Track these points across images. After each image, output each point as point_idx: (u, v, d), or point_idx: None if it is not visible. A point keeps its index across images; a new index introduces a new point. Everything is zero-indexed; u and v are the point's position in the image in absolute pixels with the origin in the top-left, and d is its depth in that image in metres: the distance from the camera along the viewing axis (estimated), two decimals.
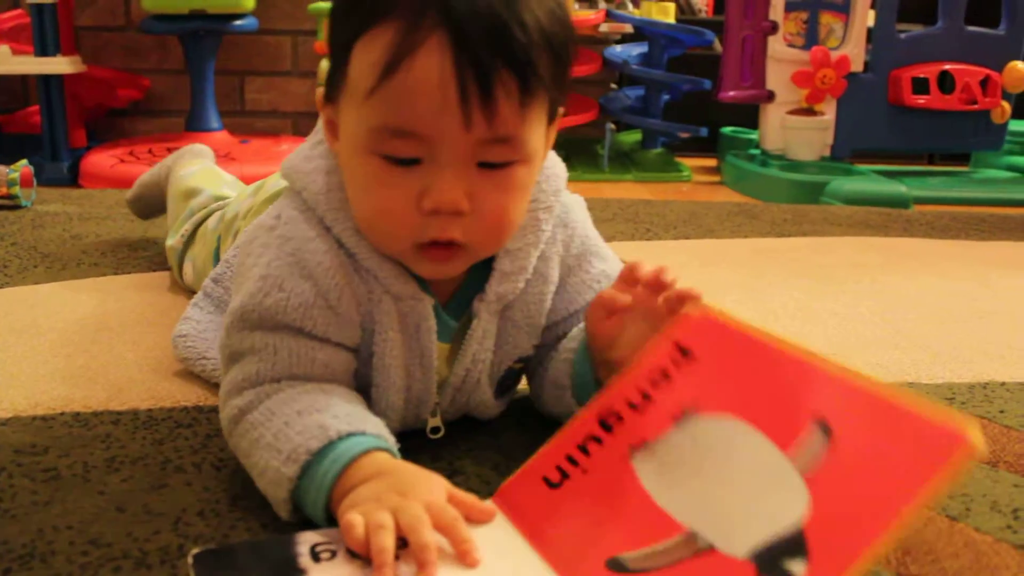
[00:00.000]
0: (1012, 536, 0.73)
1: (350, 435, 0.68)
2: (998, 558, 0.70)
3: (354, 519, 0.61)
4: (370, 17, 0.68)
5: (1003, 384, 1.05)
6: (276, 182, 1.10)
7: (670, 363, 0.69)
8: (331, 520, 0.66)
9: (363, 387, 0.80)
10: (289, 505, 0.68)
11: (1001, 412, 0.97)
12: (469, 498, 0.66)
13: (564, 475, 0.68)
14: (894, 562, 0.69)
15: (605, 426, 0.68)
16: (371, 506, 0.62)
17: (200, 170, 1.37)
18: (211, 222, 1.19)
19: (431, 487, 0.64)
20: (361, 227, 0.75)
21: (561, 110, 0.77)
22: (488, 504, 0.67)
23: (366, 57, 0.68)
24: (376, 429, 0.70)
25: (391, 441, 0.71)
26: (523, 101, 0.69)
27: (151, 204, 1.48)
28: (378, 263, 0.76)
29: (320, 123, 0.81)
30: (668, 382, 0.68)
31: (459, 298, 0.81)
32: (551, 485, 0.68)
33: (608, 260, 0.87)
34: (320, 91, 0.77)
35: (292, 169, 0.79)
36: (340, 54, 0.72)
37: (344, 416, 0.70)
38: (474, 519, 0.65)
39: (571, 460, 0.69)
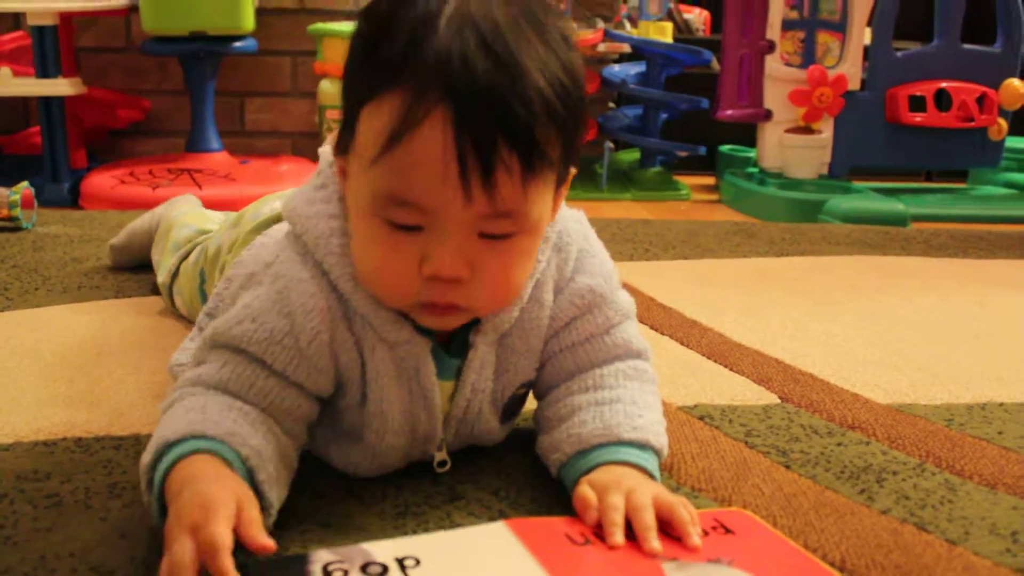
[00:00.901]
0: (1012, 560, 0.74)
1: (181, 440, 0.69)
2: None
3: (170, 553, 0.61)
4: (378, 83, 0.68)
5: (1001, 405, 1.06)
6: (256, 212, 1.10)
7: (711, 529, 0.72)
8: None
9: (356, 429, 0.80)
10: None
11: (1000, 433, 0.98)
12: (253, 522, 0.64)
13: (587, 541, 0.69)
14: None
15: None
16: (174, 537, 0.62)
17: (189, 211, 1.40)
18: (192, 257, 1.20)
19: (209, 508, 0.63)
20: (362, 280, 0.75)
21: (573, 171, 0.77)
22: (266, 541, 0.64)
23: (372, 124, 0.69)
24: (218, 431, 0.70)
25: (236, 442, 0.70)
26: (525, 178, 0.69)
27: (136, 252, 1.49)
28: (373, 310, 0.76)
29: (322, 164, 0.81)
30: (706, 537, 0.70)
31: (459, 335, 0.81)
32: (573, 542, 0.69)
33: (596, 275, 0.84)
34: (332, 137, 0.78)
35: (294, 212, 0.79)
36: (350, 112, 0.73)
37: (190, 419, 0.71)
38: (250, 544, 0.63)
39: (598, 534, 0.70)
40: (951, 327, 1.36)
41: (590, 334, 0.84)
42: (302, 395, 0.77)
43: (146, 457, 0.70)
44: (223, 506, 0.63)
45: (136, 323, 1.25)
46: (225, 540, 0.61)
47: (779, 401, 1.05)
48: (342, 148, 0.75)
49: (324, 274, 0.76)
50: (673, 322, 1.32)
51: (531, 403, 0.89)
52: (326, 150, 0.83)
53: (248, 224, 1.08)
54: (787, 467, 0.88)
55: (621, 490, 0.72)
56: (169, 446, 0.69)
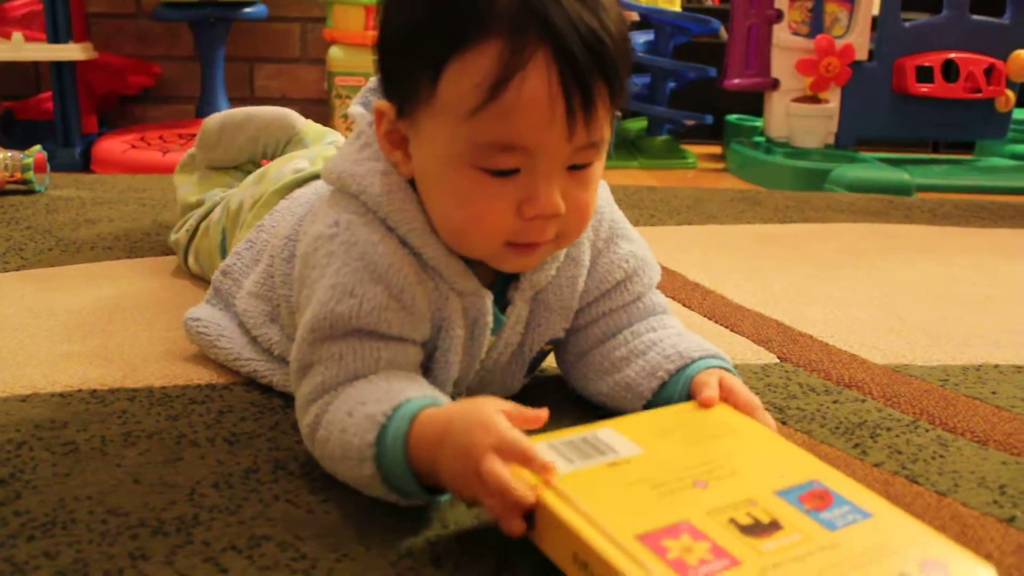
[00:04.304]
0: (998, 511, 0.76)
1: (394, 410, 0.70)
2: (983, 531, 0.72)
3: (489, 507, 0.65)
4: (464, 37, 0.69)
5: (996, 366, 1.08)
6: (280, 171, 1.11)
7: None
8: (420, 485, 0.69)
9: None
10: (392, 496, 0.71)
11: (993, 393, 1.00)
12: (522, 410, 0.68)
13: None
14: None
15: None
16: (469, 488, 0.65)
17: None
18: (215, 215, 1.21)
19: (487, 426, 0.65)
20: (444, 230, 0.77)
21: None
22: (539, 412, 0.68)
23: (467, 77, 0.70)
24: (417, 391, 0.72)
25: (431, 394, 0.73)
26: (611, 107, 0.73)
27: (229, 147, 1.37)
28: (444, 261, 0.78)
29: (361, 124, 0.82)
30: None
31: (496, 289, 0.83)
32: None
33: (635, 241, 0.91)
34: (381, 103, 0.77)
35: (345, 173, 0.80)
36: (422, 71, 0.72)
37: (383, 396, 0.71)
38: (531, 425, 0.67)
39: None
40: (951, 292, 1.37)
41: (637, 295, 0.89)
42: (415, 346, 0.79)
43: (368, 468, 0.69)
44: (498, 417, 0.66)
45: (149, 282, 1.27)
46: (523, 437, 0.64)
47: (778, 361, 1.07)
48: (402, 111, 0.75)
49: (391, 230, 0.78)
50: (676, 284, 1.34)
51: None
52: (361, 110, 0.84)
53: (271, 184, 1.09)
54: (783, 423, 0.91)
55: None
56: (384, 428, 0.69)
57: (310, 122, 1.36)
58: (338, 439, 0.71)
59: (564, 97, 0.69)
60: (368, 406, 0.71)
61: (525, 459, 0.64)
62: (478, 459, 0.63)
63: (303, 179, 1.07)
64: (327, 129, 1.35)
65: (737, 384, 0.79)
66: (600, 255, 0.88)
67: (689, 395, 0.80)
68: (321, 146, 1.26)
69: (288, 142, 1.33)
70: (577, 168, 0.75)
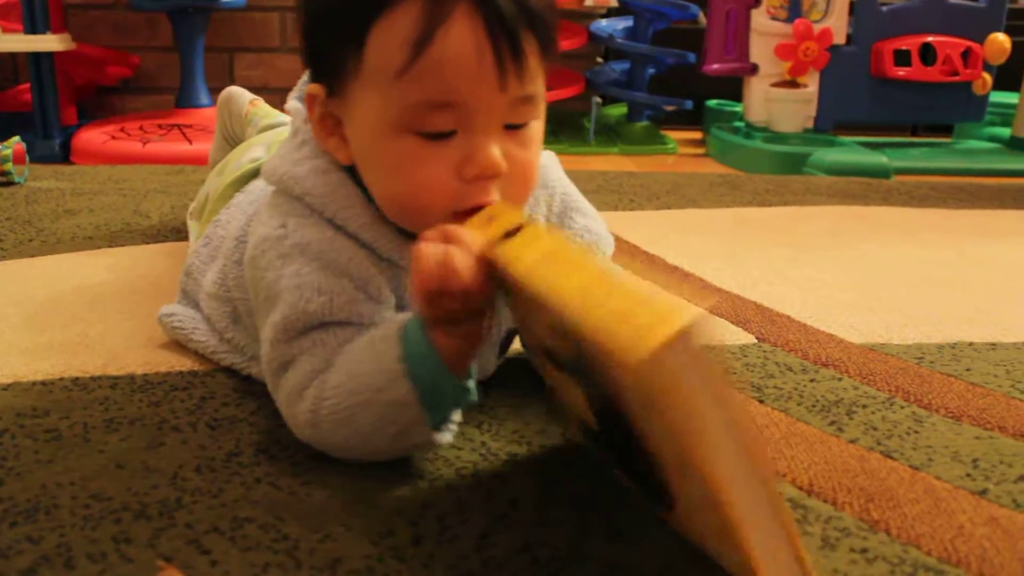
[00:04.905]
0: (970, 483, 0.77)
1: (401, 327, 0.72)
2: (955, 504, 0.74)
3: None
4: (383, 2, 0.70)
5: (971, 344, 1.09)
6: (239, 161, 1.11)
7: None
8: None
9: None
10: (428, 421, 0.72)
11: (968, 370, 1.01)
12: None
13: None
14: (857, 507, 0.72)
15: None
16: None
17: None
18: (192, 207, 1.21)
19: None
20: (388, 208, 0.77)
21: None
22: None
23: (391, 38, 0.70)
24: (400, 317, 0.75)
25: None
26: (542, 58, 0.73)
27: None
28: (397, 251, 0.79)
29: (297, 121, 0.82)
30: None
31: None
32: None
33: (589, 215, 0.92)
34: (311, 87, 0.77)
35: (286, 175, 0.80)
36: (346, 43, 0.72)
37: (382, 327, 0.74)
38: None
39: None
40: (927, 273, 1.39)
41: None
42: None
43: (401, 388, 0.71)
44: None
45: (129, 271, 1.27)
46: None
47: (756, 341, 1.08)
48: (332, 89, 0.76)
49: (338, 228, 0.78)
50: (656, 268, 1.34)
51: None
52: (297, 106, 0.84)
53: (230, 174, 1.09)
54: (761, 401, 0.92)
55: None
56: (403, 340, 0.71)
57: (259, 101, 1.35)
58: (356, 386, 0.72)
59: (492, 47, 0.69)
60: (375, 344, 0.72)
61: (457, 238, 0.67)
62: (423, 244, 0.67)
63: (257, 169, 1.06)
64: (275, 111, 1.33)
65: None
66: (561, 228, 0.90)
67: None
68: (279, 129, 1.25)
69: (242, 124, 1.33)
70: (515, 128, 0.74)
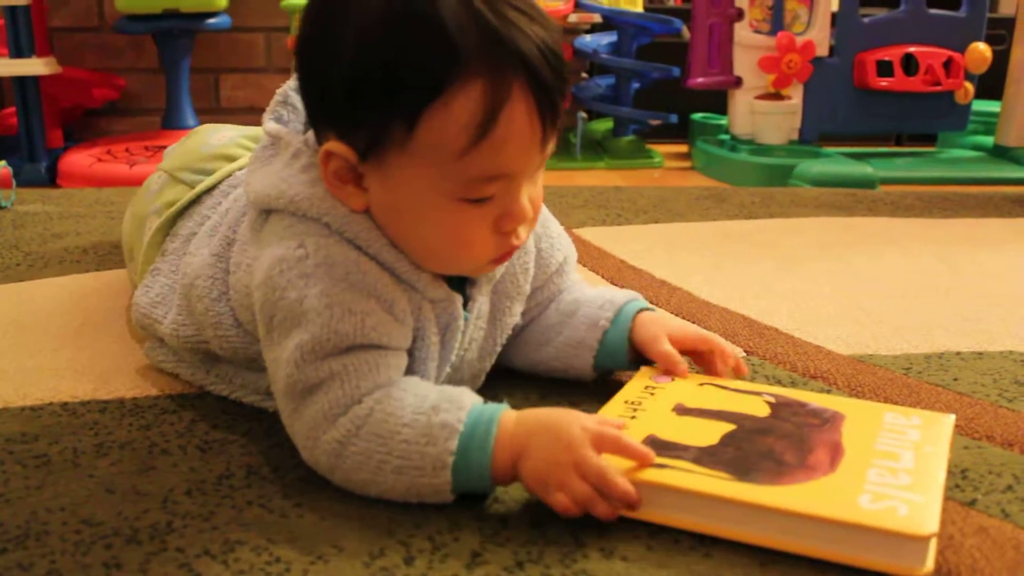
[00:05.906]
0: (960, 494, 0.77)
1: (469, 416, 0.71)
2: (945, 514, 0.74)
3: (561, 500, 0.69)
4: (440, 84, 0.69)
5: (958, 354, 1.09)
6: (206, 141, 1.10)
7: None
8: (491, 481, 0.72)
9: None
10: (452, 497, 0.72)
11: (955, 380, 1.01)
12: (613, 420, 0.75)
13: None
14: None
15: None
16: (559, 476, 0.69)
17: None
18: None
19: (581, 421, 0.71)
20: (419, 255, 0.79)
21: None
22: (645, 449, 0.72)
23: (451, 120, 0.70)
24: (471, 397, 0.74)
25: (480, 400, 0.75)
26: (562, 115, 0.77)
27: None
28: (415, 274, 0.80)
29: (297, 147, 0.81)
30: None
31: (454, 289, 0.84)
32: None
33: (562, 247, 0.98)
34: (333, 146, 0.76)
35: (299, 196, 0.78)
36: (394, 118, 0.71)
37: (445, 404, 0.72)
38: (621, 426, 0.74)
39: None
40: (914, 283, 1.39)
41: (559, 289, 0.97)
42: (404, 353, 0.80)
43: (442, 476, 0.70)
44: (584, 415, 0.72)
45: (118, 295, 1.27)
46: (606, 463, 0.69)
47: (744, 354, 1.08)
48: (365, 156, 0.74)
49: (359, 249, 0.78)
50: (643, 283, 1.35)
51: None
52: (277, 128, 0.85)
53: (161, 199, 1.06)
54: None
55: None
56: (464, 435, 0.71)
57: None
58: (396, 449, 0.71)
59: (541, 120, 0.73)
60: (431, 425, 0.71)
61: (620, 448, 0.70)
62: (577, 450, 0.68)
63: (178, 212, 1.04)
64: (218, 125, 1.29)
65: (673, 325, 0.94)
66: (540, 239, 0.94)
67: (628, 336, 0.93)
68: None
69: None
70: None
